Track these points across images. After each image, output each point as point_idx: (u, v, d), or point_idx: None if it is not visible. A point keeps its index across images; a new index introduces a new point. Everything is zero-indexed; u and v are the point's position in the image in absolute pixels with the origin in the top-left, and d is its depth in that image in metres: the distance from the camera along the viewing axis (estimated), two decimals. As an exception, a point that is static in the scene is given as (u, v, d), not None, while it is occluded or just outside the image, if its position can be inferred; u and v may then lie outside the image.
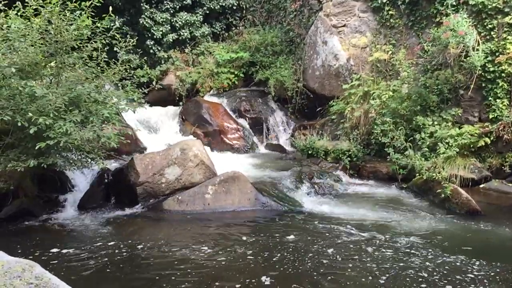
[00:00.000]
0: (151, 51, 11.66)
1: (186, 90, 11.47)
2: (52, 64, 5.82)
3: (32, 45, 5.73)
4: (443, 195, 6.70)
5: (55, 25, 5.79)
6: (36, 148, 5.24)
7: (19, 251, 4.85)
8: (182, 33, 11.96)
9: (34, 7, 5.82)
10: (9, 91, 5.34)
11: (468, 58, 7.66)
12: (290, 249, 4.99)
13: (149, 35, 11.58)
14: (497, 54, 7.55)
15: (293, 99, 10.86)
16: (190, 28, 12.10)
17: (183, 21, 11.93)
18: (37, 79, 5.82)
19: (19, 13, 5.90)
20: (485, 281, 4.21)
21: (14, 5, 5.95)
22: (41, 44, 5.86)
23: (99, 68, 6.45)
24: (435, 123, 7.88)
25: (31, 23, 5.82)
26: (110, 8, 6.23)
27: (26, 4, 5.86)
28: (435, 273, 4.35)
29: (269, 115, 11.00)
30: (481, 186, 7.42)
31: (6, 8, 5.87)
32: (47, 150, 5.66)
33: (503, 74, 7.51)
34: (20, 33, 5.67)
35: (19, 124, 5.15)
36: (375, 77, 9.21)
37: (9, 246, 4.96)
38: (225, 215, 6.37)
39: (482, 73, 7.68)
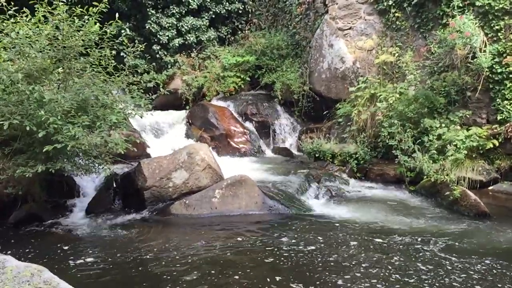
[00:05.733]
0: (158, 55, 11.73)
1: (192, 94, 11.52)
2: (60, 69, 5.86)
3: (40, 51, 5.77)
4: (451, 198, 6.66)
5: (63, 31, 5.83)
6: (44, 151, 5.26)
7: (28, 256, 4.87)
8: (188, 38, 12.01)
9: (42, 14, 5.86)
10: (17, 96, 5.38)
11: (475, 60, 7.62)
12: (299, 253, 4.97)
13: (156, 40, 11.65)
14: (504, 55, 7.51)
15: (299, 102, 10.86)
16: (196, 33, 12.16)
17: (189, 26, 11.98)
18: (45, 84, 5.86)
19: (27, 20, 5.94)
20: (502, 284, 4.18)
21: (21, 11, 6.00)
22: (49, 49, 5.90)
23: (106, 74, 6.47)
24: (443, 125, 7.83)
25: (40, 30, 5.86)
26: (117, 15, 6.27)
27: (35, 10, 5.91)
28: (448, 276, 4.33)
29: (275, 118, 11.00)
30: (490, 188, 7.36)
31: (16, 14, 5.91)
32: (55, 155, 5.69)
33: (510, 75, 7.46)
34: (28, 39, 5.71)
35: (28, 128, 5.18)
36: (381, 79, 9.18)
37: (18, 251, 5.00)
38: (232, 219, 6.36)
39: (490, 75, 7.64)
